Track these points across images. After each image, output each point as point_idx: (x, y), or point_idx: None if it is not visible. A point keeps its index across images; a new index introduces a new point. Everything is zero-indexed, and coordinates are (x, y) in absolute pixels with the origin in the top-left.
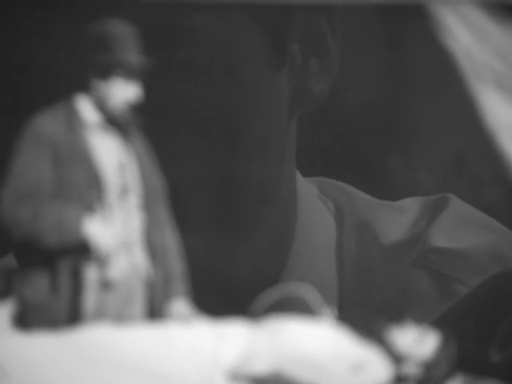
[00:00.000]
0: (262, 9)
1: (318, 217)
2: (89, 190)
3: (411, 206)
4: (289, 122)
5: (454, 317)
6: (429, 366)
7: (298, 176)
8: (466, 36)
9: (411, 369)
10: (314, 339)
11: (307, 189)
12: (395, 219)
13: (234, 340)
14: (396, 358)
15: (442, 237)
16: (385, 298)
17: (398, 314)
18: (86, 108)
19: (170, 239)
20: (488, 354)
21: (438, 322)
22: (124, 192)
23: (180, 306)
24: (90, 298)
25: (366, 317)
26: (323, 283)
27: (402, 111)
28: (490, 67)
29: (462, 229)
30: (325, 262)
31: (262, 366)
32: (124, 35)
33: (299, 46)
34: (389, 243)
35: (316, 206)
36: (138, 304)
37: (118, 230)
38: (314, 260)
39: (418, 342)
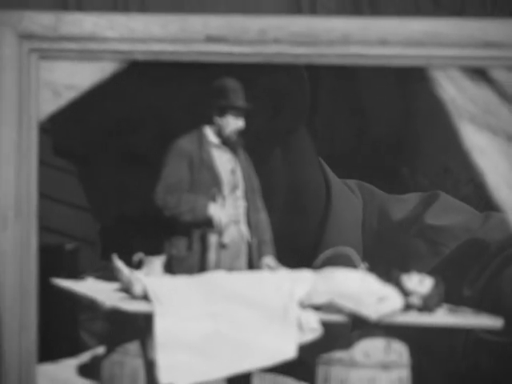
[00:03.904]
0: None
1: (348, 203)
2: (212, 187)
3: (412, 197)
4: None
5: (441, 268)
6: (426, 299)
7: (332, 176)
8: (451, 89)
9: (415, 300)
10: (354, 281)
11: (339, 184)
12: (401, 205)
13: (302, 282)
14: (405, 293)
15: (433, 218)
16: (395, 257)
17: (405, 266)
18: (210, 134)
19: (262, 218)
20: (462, 291)
21: (432, 271)
22: (233, 188)
23: (269, 260)
24: (212, 255)
25: (386, 268)
26: (352, 247)
27: (410, 138)
28: (467, 110)
29: (447, 213)
30: (353, 233)
31: (320, 298)
32: (235, 88)
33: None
34: (396, 220)
35: (347, 196)
36: (243, 259)
37: (230, 212)
38: (346, 232)
39: (419, 283)
